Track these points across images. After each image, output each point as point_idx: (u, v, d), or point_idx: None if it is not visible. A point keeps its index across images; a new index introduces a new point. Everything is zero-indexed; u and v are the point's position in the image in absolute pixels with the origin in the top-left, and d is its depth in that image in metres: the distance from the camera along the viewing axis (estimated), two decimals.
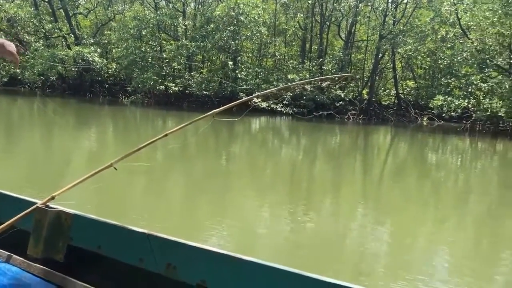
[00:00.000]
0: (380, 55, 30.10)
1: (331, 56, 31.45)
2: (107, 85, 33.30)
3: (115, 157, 2.46)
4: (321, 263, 5.84)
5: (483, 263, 6.45)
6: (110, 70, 32.73)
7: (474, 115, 24.58)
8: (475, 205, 10.13)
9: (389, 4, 29.85)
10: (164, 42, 30.55)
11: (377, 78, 31.37)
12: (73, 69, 31.50)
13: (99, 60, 31.21)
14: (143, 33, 29.72)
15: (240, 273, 1.66)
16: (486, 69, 24.94)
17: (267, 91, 3.55)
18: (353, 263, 6.07)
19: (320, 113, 28.22)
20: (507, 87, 23.33)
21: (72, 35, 33.29)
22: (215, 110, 2.92)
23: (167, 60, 29.75)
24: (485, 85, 24.40)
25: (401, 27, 28.51)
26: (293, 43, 34.73)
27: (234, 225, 7.15)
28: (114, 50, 32.25)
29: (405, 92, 32.79)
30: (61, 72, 32.60)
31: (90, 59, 30.48)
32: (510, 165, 16.53)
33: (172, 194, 9.06)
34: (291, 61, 31.56)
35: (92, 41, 32.71)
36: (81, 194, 6.13)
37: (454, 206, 9.87)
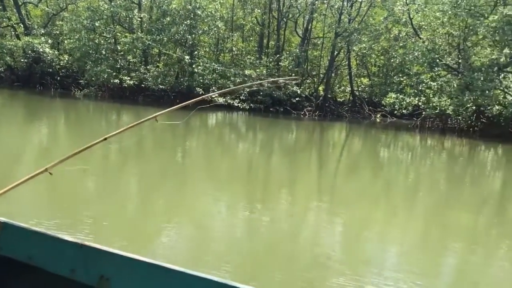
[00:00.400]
0: (336, 52, 30.58)
1: (288, 52, 31.67)
2: (58, 77, 32.20)
3: (63, 155, 2.38)
4: (277, 258, 5.89)
5: (432, 253, 6.70)
6: (62, 62, 31.65)
7: (424, 112, 25.40)
8: (424, 200, 10.50)
9: (345, 3, 30.33)
10: (119, 35, 29.79)
11: (332, 75, 31.88)
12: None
13: (50, 52, 30.12)
14: (97, 24, 28.87)
15: (173, 284, 1.63)
16: (436, 68, 25.83)
17: (211, 94, 3.50)
18: (308, 257, 6.16)
19: (277, 108, 28.44)
20: (455, 86, 24.25)
21: (22, 25, 31.94)
22: (158, 113, 2.88)
23: (122, 53, 29.07)
24: (435, 83, 25.28)
25: (356, 26, 29.07)
26: (251, 38, 34.74)
27: (188, 224, 7.10)
28: (66, 42, 31.19)
29: (359, 89, 33.49)
30: (10, 63, 31.28)
31: (41, 50, 29.36)
32: (457, 161, 17.22)
33: (121, 194, 8.89)
34: (248, 57, 31.57)
35: (42, 32, 31.49)
36: (15, 200, 5.84)
37: (405, 200, 10.20)
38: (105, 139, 2.66)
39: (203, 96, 3.39)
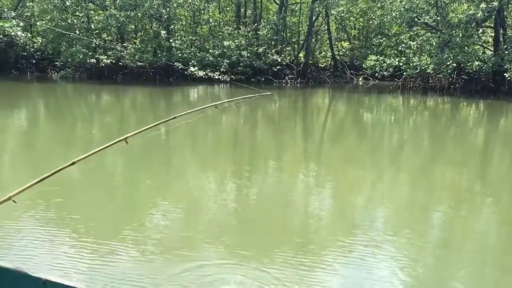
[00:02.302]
0: (314, 17, 30.23)
1: (266, 20, 31.24)
2: (34, 61, 31.50)
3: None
4: (270, 229, 5.91)
5: (420, 211, 6.79)
6: (36, 45, 30.89)
7: (404, 73, 25.44)
8: (410, 159, 10.59)
9: None
10: (92, 13, 29.06)
11: (313, 40, 31.60)
12: None
13: (23, 35, 29.36)
14: (68, 3, 28.06)
15: None
16: (415, 28, 25.73)
17: (185, 112, 3.60)
18: (299, 224, 6.20)
19: (258, 78, 28.24)
20: (434, 44, 24.24)
21: None
22: (127, 135, 2.91)
23: (96, 32, 28.41)
24: (414, 43, 25.26)
25: None
26: (228, 8, 34.16)
27: (180, 200, 7.06)
28: (38, 23, 30.35)
29: (340, 54, 33.34)
30: None
31: (13, 33, 28.58)
32: (440, 120, 17.36)
33: (108, 178, 8.81)
34: (226, 27, 31.08)
35: (13, 15, 30.53)
36: None
37: (391, 161, 10.29)
38: (73, 163, 2.63)
39: (167, 119, 3.50)
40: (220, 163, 9.67)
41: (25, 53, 30.72)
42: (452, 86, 25.09)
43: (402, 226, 6.12)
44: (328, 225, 6.19)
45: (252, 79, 28.08)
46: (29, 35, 30.43)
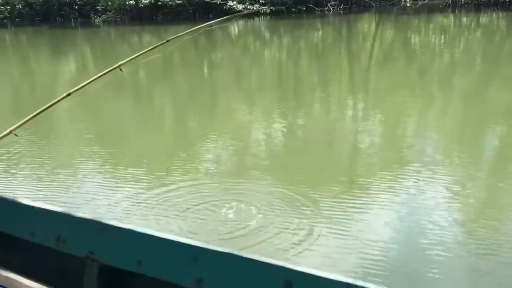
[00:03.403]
0: None
1: None
2: (76, 7, 31.71)
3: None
4: (319, 163, 5.91)
5: (474, 135, 6.60)
6: None
7: None
8: (463, 82, 10.15)
9: None
10: None
11: None
12: None
13: None
14: None
15: (127, 243, 1.68)
16: None
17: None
18: (349, 157, 6.19)
19: (299, 8, 27.29)
20: None
21: None
22: (121, 62, 2.90)
23: None
24: None
25: None
26: None
27: (226, 135, 7.17)
28: None
29: None
30: None
31: None
32: (493, 38, 16.36)
33: (152, 116, 9.01)
34: None
35: None
36: None
37: (442, 85, 9.90)
38: (69, 94, 2.72)
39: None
40: (265, 94, 9.66)
41: (67, 0, 30.93)
42: (507, 0, 23.36)
43: (457, 151, 5.99)
44: (378, 153, 6.14)
45: (293, 9, 27.18)
46: None
